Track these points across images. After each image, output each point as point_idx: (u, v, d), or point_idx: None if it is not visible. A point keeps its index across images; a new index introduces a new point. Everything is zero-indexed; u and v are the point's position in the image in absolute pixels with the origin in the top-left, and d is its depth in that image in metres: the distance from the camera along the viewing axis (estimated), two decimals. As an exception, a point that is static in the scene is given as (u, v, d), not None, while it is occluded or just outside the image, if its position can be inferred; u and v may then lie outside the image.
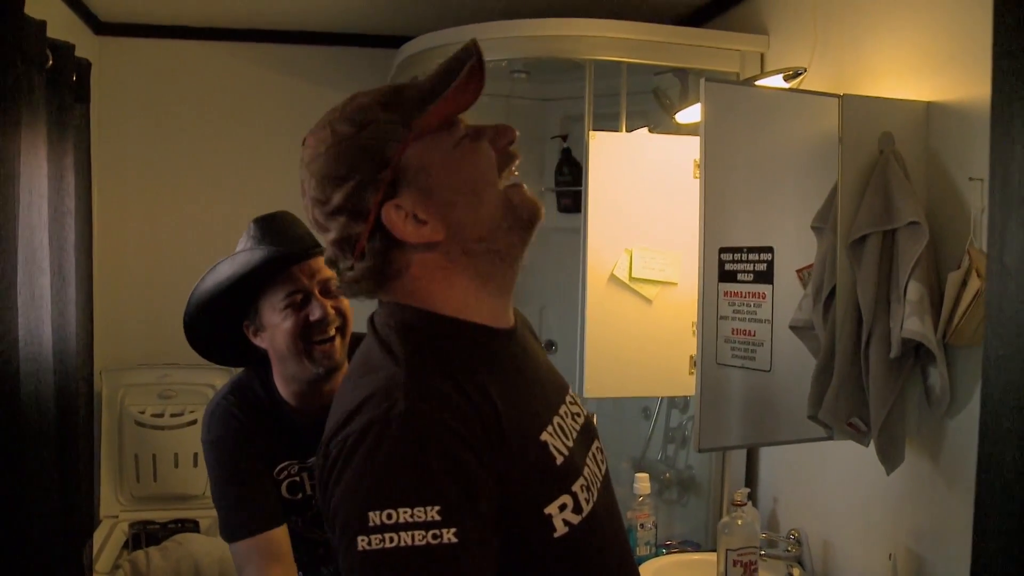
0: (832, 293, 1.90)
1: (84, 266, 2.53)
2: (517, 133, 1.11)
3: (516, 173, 1.13)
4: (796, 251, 2.13)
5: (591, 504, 1.06)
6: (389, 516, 0.91)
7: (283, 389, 1.79)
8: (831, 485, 2.28)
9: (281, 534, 1.76)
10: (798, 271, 2.14)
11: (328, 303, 1.72)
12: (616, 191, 2.46)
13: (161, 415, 3.04)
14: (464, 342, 1.06)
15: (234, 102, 3.46)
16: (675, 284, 2.49)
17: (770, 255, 2.23)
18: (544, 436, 1.04)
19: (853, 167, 1.85)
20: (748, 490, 1.96)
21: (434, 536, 0.90)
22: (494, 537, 0.97)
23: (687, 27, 2.79)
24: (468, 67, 1.03)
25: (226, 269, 1.73)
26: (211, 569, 2.53)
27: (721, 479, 2.58)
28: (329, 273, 1.75)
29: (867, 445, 1.84)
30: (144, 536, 2.78)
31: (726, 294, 2.35)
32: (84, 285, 2.53)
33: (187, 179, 3.41)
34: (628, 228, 2.48)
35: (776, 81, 2.17)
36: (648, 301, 2.48)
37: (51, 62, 2.19)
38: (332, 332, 1.72)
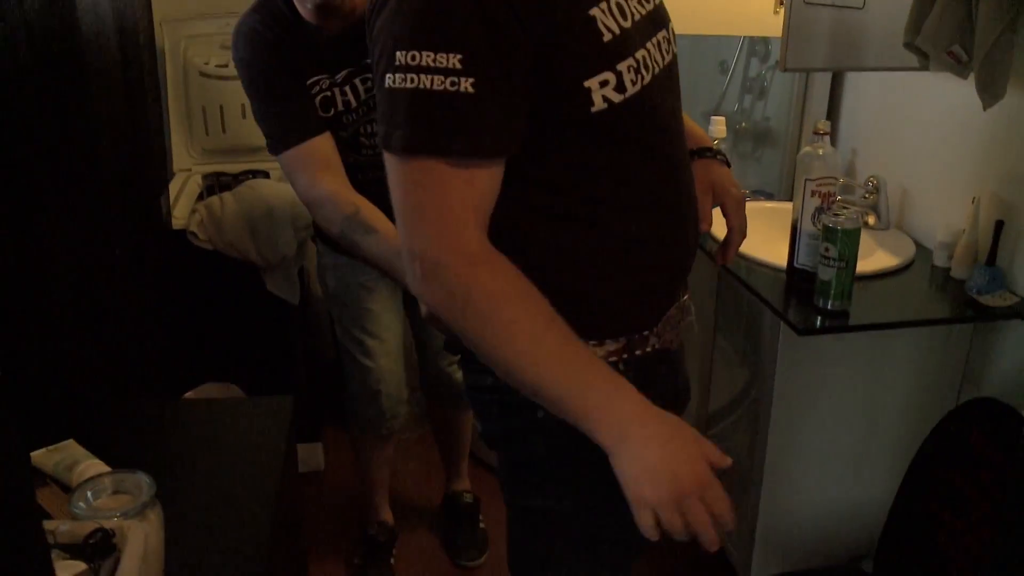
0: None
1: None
2: None
3: None
4: None
5: (638, 87, 1.02)
6: (413, 57, 0.91)
7: (300, 7, 1.78)
8: (915, 130, 2.18)
9: (325, 142, 1.79)
10: None
11: None
12: None
13: (225, 65, 2.97)
14: None
15: None
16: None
17: None
18: (594, 11, 0.99)
19: None
20: (830, 122, 1.87)
21: (452, 83, 0.91)
22: (524, 100, 0.96)
23: None
24: None
25: None
26: (283, 211, 2.57)
27: (799, 126, 2.48)
28: None
29: (965, 77, 1.71)
30: (217, 187, 2.81)
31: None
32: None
33: None
34: None
35: None
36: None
37: None
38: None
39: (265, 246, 2.54)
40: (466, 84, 0.90)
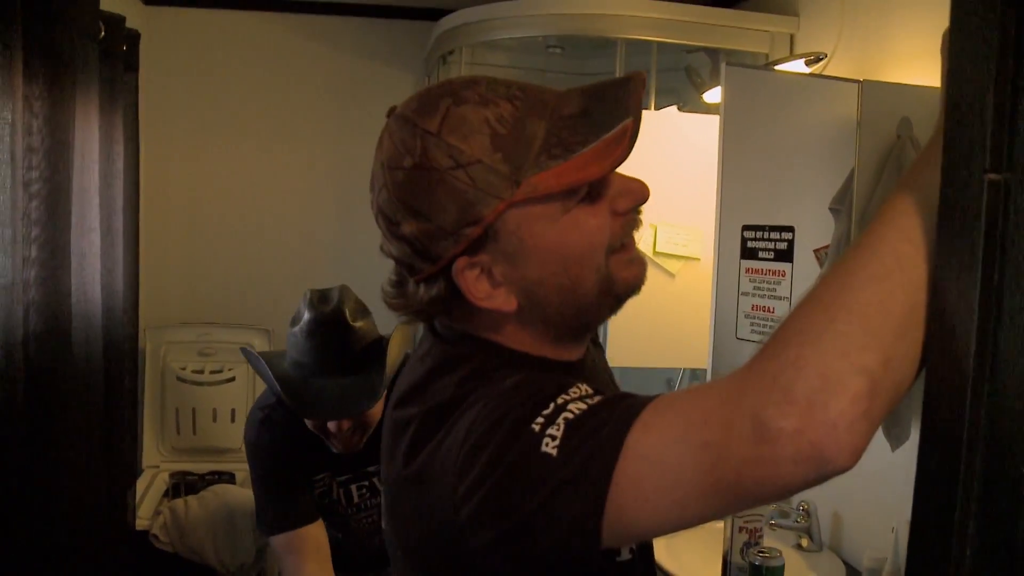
0: (846, 274, 1.96)
1: (131, 227, 2.65)
2: (648, 194, 0.91)
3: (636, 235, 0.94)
4: (815, 231, 2.19)
5: None
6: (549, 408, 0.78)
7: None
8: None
9: (317, 530, 1.90)
10: (816, 251, 2.20)
11: (347, 426, 1.82)
12: (643, 167, 2.47)
13: (201, 371, 3.17)
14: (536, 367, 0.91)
15: (275, 71, 3.56)
16: (698, 259, 2.56)
17: (791, 234, 2.30)
18: None
19: (871, 151, 1.91)
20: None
21: (586, 399, 0.79)
22: None
23: (719, 7, 2.84)
24: (619, 129, 0.82)
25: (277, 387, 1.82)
26: (245, 519, 2.66)
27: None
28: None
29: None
30: (183, 486, 2.92)
31: (748, 271, 2.42)
32: (131, 246, 2.64)
33: (229, 146, 3.52)
34: (653, 203, 2.48)
35: (798, 66, 2.22)
36: (671, 275, 2.55)
37: (103, 34, 2.29)
38: (355, 440, 1.85)
39: (225, 552, 2.60)
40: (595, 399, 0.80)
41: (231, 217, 3.45)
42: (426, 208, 0.84)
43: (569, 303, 0.90)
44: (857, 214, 1.91)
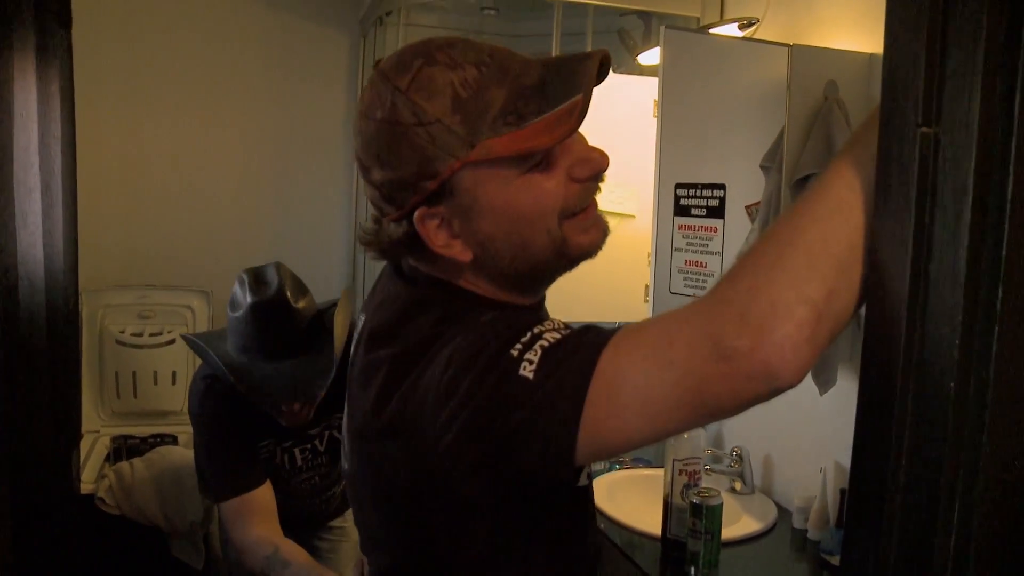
0: (776, 228, 2.06)
1: (69, 190, 2.62)
2: (607, 164, 0.97)
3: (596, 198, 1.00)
4: (746, 188, 2.29)
5: None
6: (524, 343, 0.84)
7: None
8: (771, 406, 2.47)
9: (263, 492, 1.94)
10: (747, 207, 2.30)
11: (298, 406, 1.89)
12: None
13: (140, 335, 3.16)
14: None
15: (210, 31, 3.52)
16: (633, 217, 2.65)
17: (722, 191, 2.39)
18: None
19: (799, 112, 2.00)
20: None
21: (560, 330, 0.86)
22: None
23: (652, -30, 2.90)
24: (568, 104, 0.88)
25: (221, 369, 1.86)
26: (191, 479, 2.68)
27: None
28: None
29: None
30: (125, 449, 2.91)
31: (680, 227, 2.51)
32: (70, 206, 2.61)
33: (163, 107, 3.48)
34: None
35: (731, 30, 2.30)
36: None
37: (37, -11, 2.25)
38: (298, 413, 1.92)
39: (174, 512, 2.63)
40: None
41: (168, 178, 3.42)
42: (391, 159, 0.92)
43: (521, 259, 0.97)
44: (787, 171, 2.00)
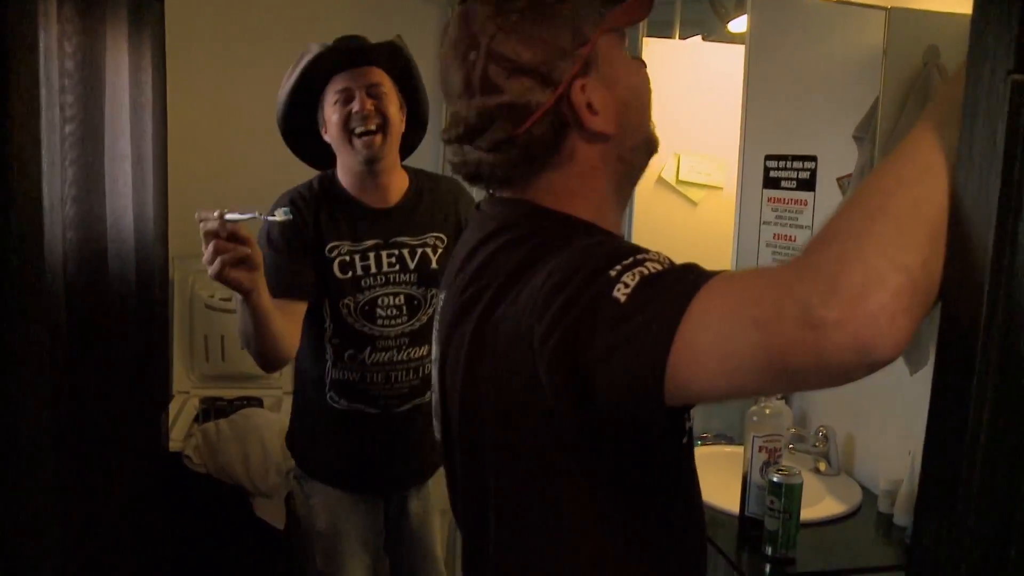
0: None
1: (160, 157, 2.68)
2: None
3: None
4: (838, 160, 2.20)
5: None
6: (625, 265, 0.85)
7: (343, 179, 2.08)
8: (859, 385, 2.39)
9: (297, 307, 1.98)
10: (838, 179, 2.22)
11: (370, 101, 1.99)
12: (667, 97, 2.52)
13: (229, 299, 3.21)
14: None
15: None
16: (720, 188, 2.59)
17: (813, 163, 2.32)
18: None
19: (896, 79, 1.91)
20: (778, 388, 2.08)
21: (663, 261, 0.87)
22: None
23: (746, -66, 2.81)
24: None
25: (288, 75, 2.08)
26: (274, 442, 2.73)
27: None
28: (376, 79, 2.05)
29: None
30: (213, 411, 2.99)
31: (770, 200, 2.44)
32: (160, 175, 2.68)
33: (255, 70, 3.51)
34: (678, 133, 2.56)
35: (826, -8, 2.21)
36: (694, 204, 2.58)
37: (130, -41, 2.30)
38: (372, 127, 1.99)
39: (257, 473, 2.68)
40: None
41: (259, 146, 3.45)
42: (546, 34, 1.00)
43: (639, 133, 1.08)
44: (881, 142, 1.92)
